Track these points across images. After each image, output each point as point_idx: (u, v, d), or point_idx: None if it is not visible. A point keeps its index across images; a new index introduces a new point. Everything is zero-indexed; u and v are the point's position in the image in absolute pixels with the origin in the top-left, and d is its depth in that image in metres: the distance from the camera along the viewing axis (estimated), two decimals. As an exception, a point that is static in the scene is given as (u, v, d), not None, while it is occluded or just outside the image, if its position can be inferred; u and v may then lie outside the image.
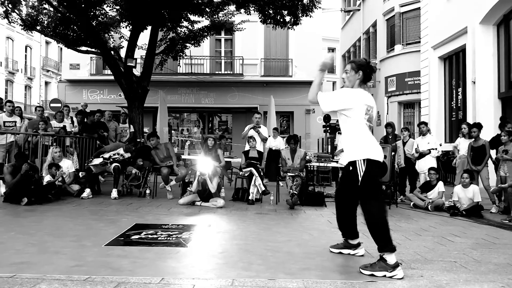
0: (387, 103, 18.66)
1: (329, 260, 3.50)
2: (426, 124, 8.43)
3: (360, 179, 3.23)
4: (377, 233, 3.22)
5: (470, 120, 10.92)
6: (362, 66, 3.43)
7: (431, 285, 2.89)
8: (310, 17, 11.78)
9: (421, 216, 6.26)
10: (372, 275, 3.06)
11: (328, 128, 17.11)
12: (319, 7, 11.97)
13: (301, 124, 19.98)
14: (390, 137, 8.36)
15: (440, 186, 7.12)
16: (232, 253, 3.60)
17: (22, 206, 5.83)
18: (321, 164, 8.00)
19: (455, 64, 13.82)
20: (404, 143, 8.19)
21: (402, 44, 17.92)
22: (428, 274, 3.14)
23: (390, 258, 3.10)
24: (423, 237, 4.65)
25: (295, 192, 6.49)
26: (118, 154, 7.28)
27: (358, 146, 3.30)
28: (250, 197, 6.89)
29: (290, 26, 12.01)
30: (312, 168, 8.60)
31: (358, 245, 3.73)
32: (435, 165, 7.80)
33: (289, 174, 6.99)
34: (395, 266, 3.07)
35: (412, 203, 7.24)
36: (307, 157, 7.60)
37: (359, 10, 22.37)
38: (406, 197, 7.95)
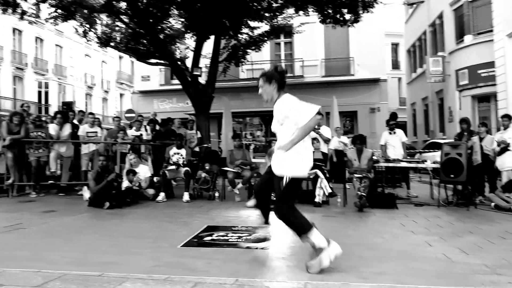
0: (459, 98, 17.48)
1: (404, 264, 3.37)
2: (510, 117, 7.74)
3: (281, 188, 3.29)
4: (289, 226, 3.36)
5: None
6: (272, 75, 3.48)
7: (520, 292, 2.68)
8: (371, 13, 11.45)
9: (505, 218, 5.79)
10: (322, 269, 3.10)
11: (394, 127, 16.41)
12: (380, 2, 11.60)
13: (366, 124, 19.41)
14: (465, 133, 7.84)
15: (526, 185, 6.54)
16: (302, 255, 3.60)
17: (105, 210, 6.30)
18: (389, 165, 7.72)
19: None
20: (481, 139, 7.64)
21: (473, 34, 16.70)
22: (517, 281, 2.92)
23: (317, 240, 3.17)
24: (509, 241, 4.30)
25: (363, 194, 6.32)
26: (180, 154, 7.68)
27: (290, 160, 3.28)
28: (316, 200, 6.84)
29: (351, 24, 11.77)
30: (380, 169, 8.33)
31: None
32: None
33: (356, 175, 6.83)
34: (328, 242, 3.17)
35: (493, 204, 6.71)
36: (374, 157, 7.38)
37: (423, 2, 21.24)
38: (486, 198, 7.39)
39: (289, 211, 3.37)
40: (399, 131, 8.76)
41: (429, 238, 4.37)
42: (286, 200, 3.37)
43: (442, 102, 19.43)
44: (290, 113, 3.34)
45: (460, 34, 17.56)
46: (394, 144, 8.59)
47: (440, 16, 19.37)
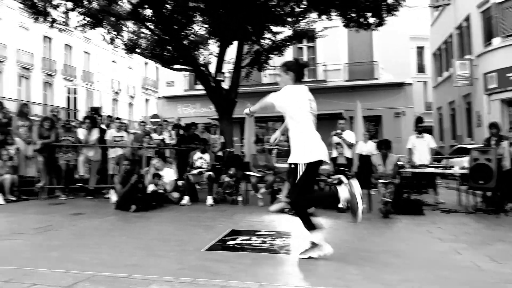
0: (488, 102, 16.98)
1: (431, 272, 3.30)
2: None
3: (298, 176, 3.54)
4: (302, 220, 3.65)
5: None
6: (290, 66, 3.68)
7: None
8: (396, 16, 11.31)
9: (538, 226, 5.59)
10: (310, 257, 3.55)
11: (422, 130, 16.09)
12: (405, 5, 11.44)
13: (391, 128, 19.11)
14: (494, 138, 7.62)
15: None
16: (325, 261, 3.59)
17: (131, 213, 6.43)
18: (415, 170, 7.57)
19: None
20: (510, 145, 7.40)
21: (502, 37, 16.21)
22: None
23: (316, 238, 3.58)
24: (542, 250, 4.15)
25: (388, 199, 6.22)
26: (203, 159, 7.78)
27: (302, 149, 3.54)
28: (340, 205, 6.75)
29: (375, 28, 11.65)
30: (406, 174, 8.17)
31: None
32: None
33: (381, 180, 6.74)
34: (323, 244, 3.58)
35: (524, 212, 6.49)
36: (400, 163, 7.26)
37: (449, 4, 20.80)
38: (517, 205, 7.15)
39: (306, 204, 3.67)
40: (427, 136, 8.51)
41: (457, 245, 4.27)
42: (303, 191, 3.59)
43: (470, 106, 18.92)
44: (286, 105, 3.58)
45: (488, 37, 17.10)
46: (421, 149, 8.35)
47: (467, 19, 18.92)
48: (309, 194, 3.66)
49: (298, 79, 3.66)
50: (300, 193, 3.59)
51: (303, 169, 3.53)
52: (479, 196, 7.08)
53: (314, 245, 3.62)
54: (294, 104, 3.56)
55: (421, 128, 8.56)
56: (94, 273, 3.12)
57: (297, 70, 3.65)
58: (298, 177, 3.55)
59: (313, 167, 3.58)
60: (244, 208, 7.17)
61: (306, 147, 3.55)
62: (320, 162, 3.61)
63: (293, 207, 3.70)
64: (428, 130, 13.38)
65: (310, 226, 3.62)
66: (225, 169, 8.24)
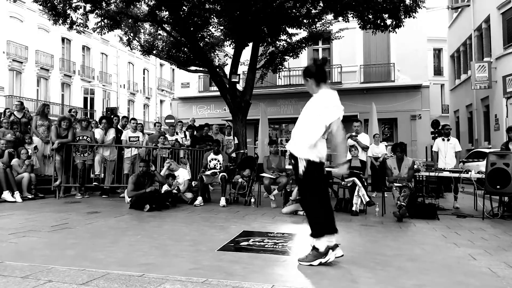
0: (506, 105, 16.64)
1: (446, 277, 3.26)
2: None
3: (300, 172, 3.48)
4: (309, 221, 3.59)
5: None
6: (308, 72, 3.55)
7: None
8: (414, 18, 11.17)
9: (558, 233, 5.45)
10: (311, 265, 3.41)
11: (437, 134, 15.88)
12: (423, 7, 11.29)
13: (406, 131, 18.89)
14: (513, 142, 7.47)
15: None
16: (339, 264, 3.57)
17: (145, 212, 6.51)
18: (431, 174, 7.47)
19: None
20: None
21: (523, 39, 15.90)
22: None
23: (320, 245, 3.44)
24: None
25: (403, 203, 6.15)
26: (217, 160, 7.86)
27: (309, 147, 3.46)
28: (353, 208, 6.73)
29: (392, 30, 11.54)
30: (421, 178, 8.07)
31: (336, 246, 3.59)
32: None
33: (395, 184, 6.67)
34: (326, 252, 3.44)
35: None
36: (416, 166, 7.17)
37: (468, 5, 20.47)
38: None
39: (316, 206, 3.54)
40: (453, 139, 8.30)
41: (473, 251, 4.19)
42: (314, 190, 3.52)
43: (488, 110, 18.57)
44: (316, 111, 3.46)
45: (508, 39, 16.76)
46: (446, 152, 8.15)
47: (487, 20, 18.59)
48: (317, 201, 3.53)
49: (321, 81, 3.54)
50: (307, 193, 3.53)
51: (305, 166, 3.45)
52: (496, 201, 6.94)
53: (315, 250, 3.49)
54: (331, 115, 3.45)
55: (448, 130, 8.39)
56: (109, 271, 3.17)
57: (316, 74, 3.52)
58: (301, 173, 3.46)
59: (316, 168, 3.49)
60: (256, 210, 7.18)
61: (314, 147, 3.47)
62: (322, 169, 3.56)
63: (304, 205, 3.64)
64: (440, 133, 13.18)
65: (317, 231, 3.52)
66: (238, 170, 8.26)
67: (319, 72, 3.54)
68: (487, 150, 11.38)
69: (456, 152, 8.20)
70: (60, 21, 11.44)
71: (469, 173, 7.10)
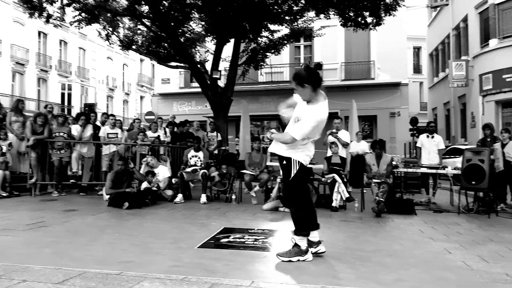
0: (482, 103, 17.10)
1: (424, 272, 3.32)
2: None
3: (292, 174, 3.52)
4: (294, 219, 3.65)
5: None
6: (304, 79, 3.35)
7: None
8: (394, 16, 11.33)
9: (529, 227, 5.63)
10: (290, 261, 3.43)
11: (416, 132, 16.19)
12: (403, 5, 11.46)
13: (386, 128, 19.21)
14: (488, 139, 7.67)
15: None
16: (319, 260, 3.59)
17: (124, 210, 6.41)
18: (409, 170, 7.60)
19: None
20: (503, 145, 7.44)
21: (499, 38, 16.31)
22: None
23: (302, 244, 3.50)
24: (532, 251, 4.18)
25: (381, 199, 6.25)
26: (197, 157, 7.82)
27: (299, 151, 3.53)
28: (333, 204, 6.79)
29: (372, 27, 11.67)
30: (399, 174, 8.21)
31: (319, 242, 3.67)
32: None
33: (374, 180, 6.76)
34: (306, 251, 3.50)
35: (516, 212, 6.54)
36: (394, 163, 7.29)
37: (447, 4, 20.89)
38: (508, 205, 7.22)
39: (302, 205, 3.60)
40: (437, 137, 8.37)
41: (448, 245, 4.29)
42: (301, 190, 3.58)
43: (465, 107, 19.04)
44: (309, 123, 3.41)
45: (485, 38, 17.19)
46: (430, 149, 8.22)
47: (465, 19, 19.01)
48: (304, 200, 3.62)
49: (317, 87, 3.41)
50: (297, 193, 3.59)
51: (297, 167, 3.52)
52: (471, 197, 7.13)
53: (297, 247, 3.52)
54: (318, 129, 3.48)
55: (432, 128, 8.49)
56: (86, 269, 3.11)
57: (313, 80, 3.36)
58: (292, 174, 3.53)
59: (305, 170, 3.60)
60: (237, 206, 7.17)
61: (303, 151, 3.57)
62: (310, 171, 3.70)
63: (288, 205, 3.73)
64: (423, 131, 13.46)
65: (301, 229, 3.57)
66: (218, 166, 8.23)
67: (316, 77, 3.38)
68: (463, 147, 11.66)
69: (439, 150, 8.25)
70: (36, 14, 11.13)
71: (446, 169, 7.27)
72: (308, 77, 3.35)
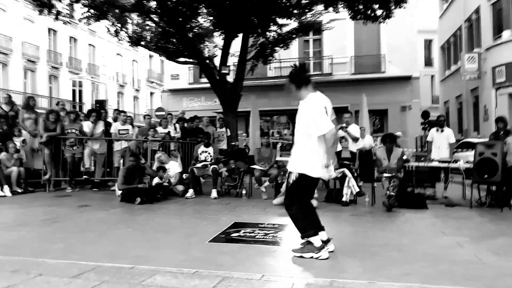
0: (496, 96, 16.84)
1: (433, 266, 3.32)
2: None
3: (291, 183, 3.57)
4: (295, 222, 3.65)
5: None
6: (290, 78, 3.61)
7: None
8: (404, 8, 11.19)
9: (542, 221, 5.57)
10: (301, 256, 3.44)
11: (427, 125, 16.01)
12: (414, -3, 11.31)
13: (396, 122, 19.00)
14: (501, 133, 7.56)
15: None
16: (330, 254, 3.61)
17: (136, 205, 6.49)
18: (420, 164, 7.54)
19: None
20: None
21: (512, 30, 16.03)
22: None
23: (316, 241, 3.47)
24: (546, 245, 4.14)
25: (392, 193, 6.22)
26: (207, 153, 7.85)
27: (302, 160, 3.53)
28: (344, 199, 6.78)
29: (382, 20, 11.55)
30: (410, 169, 8.14)
31: (328, 240, 3.66)
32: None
33: (385, 174, 6.73)
34: (321, 248, 3.47)
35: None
36: (405, 157, 7.24)
37: (459, -5, 20.57)
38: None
39: (299, 211, 3.61)
40: (448, 130, 8.26)
41: (460, 239, 4.26)
42: (297, 198, 3.59)
43: (477, 100, 18.77)
44: (309, 123, 3.47)
45: (498, 30, 16.89)
46: (440, 143, 8.11)
47: (477, 11, 18.69)
48: (302, 207, 3.62)
49: (303, 84, 3.56)
50: (293, 200, 3.60)
51: (296, 178, 3.54)
52: (484, 190, 7.05)
53: (310, 244, 3.52)
54: (314, 122, 3.47)
55: (442, 121, 8.38)
56: (99, 264, 3.17)
57: (296, 79, 3.58)
58: (291, 183, 3.58)
59: (308, 181, 3.57)
60: (248, 202, 7.21)
61: (307, 161, 3.51)
62: (317, 179, 3.63)
63: (287, 211, 3.70)
64: (434, 124, 13.34)
65: (306, 233, 3.57)
66: (228, 162, 8.27)
67: (299, 76, 3.59)
68: (476, 140, 11.52)
69: (450, 144, 8.15)
70: (46, 11, 11.23)
71: (458, 163, 7.19)
72: (295, 74, 3.63)
